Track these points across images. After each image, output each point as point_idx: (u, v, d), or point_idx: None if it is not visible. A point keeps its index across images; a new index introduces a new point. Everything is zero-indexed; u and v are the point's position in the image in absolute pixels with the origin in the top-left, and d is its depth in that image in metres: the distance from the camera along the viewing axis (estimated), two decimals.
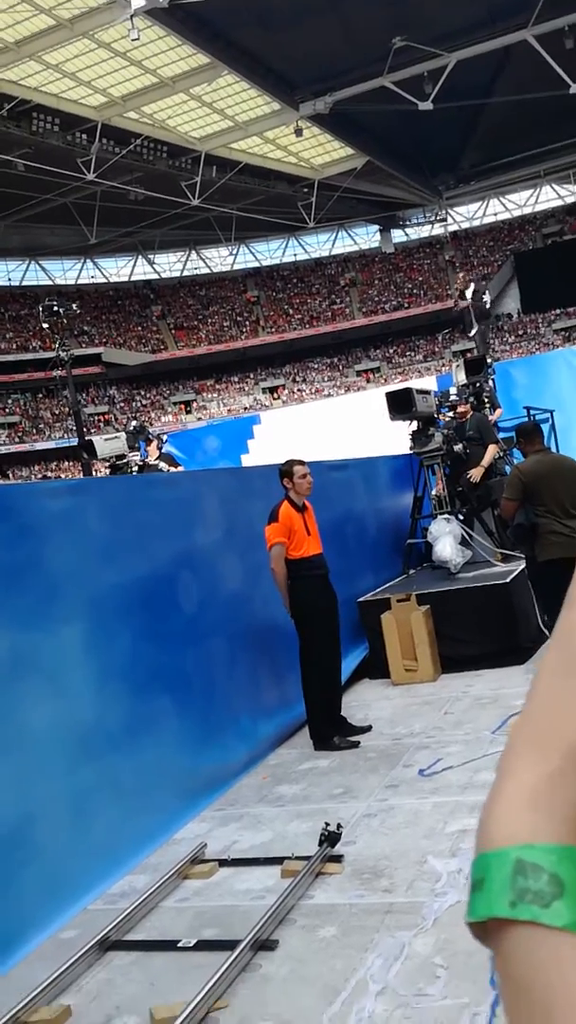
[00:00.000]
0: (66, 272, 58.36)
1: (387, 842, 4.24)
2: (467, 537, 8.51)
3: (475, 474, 9.20)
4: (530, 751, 0.51)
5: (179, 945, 3.53)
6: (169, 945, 3.56)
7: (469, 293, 12.93)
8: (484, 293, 13.05)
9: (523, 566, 7.72)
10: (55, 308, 10.85)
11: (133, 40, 29.89)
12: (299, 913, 3.69)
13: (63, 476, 42.87)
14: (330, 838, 4.18)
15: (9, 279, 56.18)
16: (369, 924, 3.48)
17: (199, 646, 5.51)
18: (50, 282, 57.48)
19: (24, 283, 56.74)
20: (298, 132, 39.54)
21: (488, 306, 12.93)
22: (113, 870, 4.27)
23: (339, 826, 4.24)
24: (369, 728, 6.14)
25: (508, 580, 7.51)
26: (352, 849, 4.20)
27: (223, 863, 4.30)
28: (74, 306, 11.68)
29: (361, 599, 7.94)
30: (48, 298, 11.37)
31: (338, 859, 4.11)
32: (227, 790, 5.39)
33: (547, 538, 6.08)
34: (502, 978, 0.47)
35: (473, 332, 13.35)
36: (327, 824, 4.23)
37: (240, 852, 4.43)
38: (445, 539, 8.27)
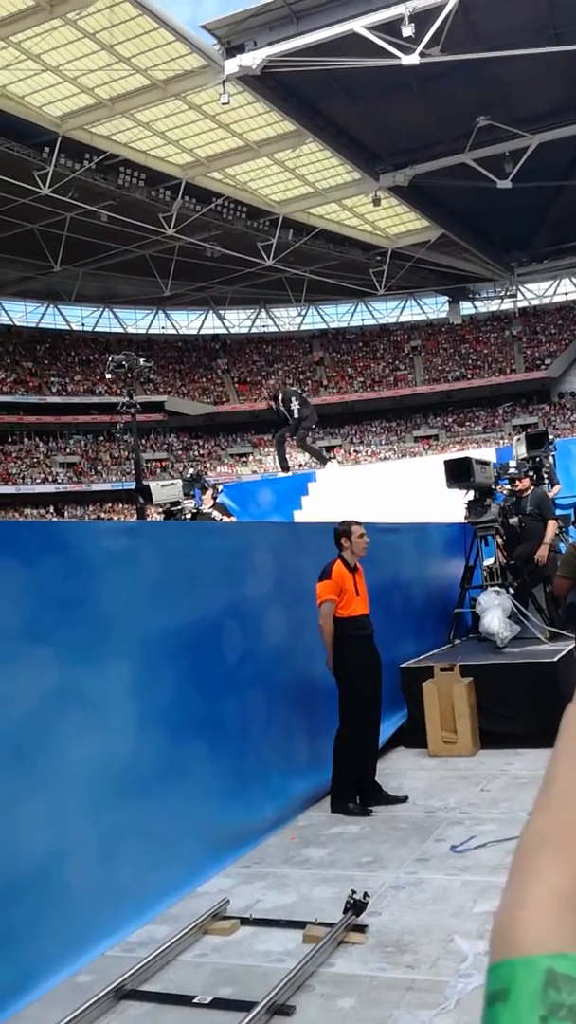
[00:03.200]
0: (138, 321, 59.81)
1: (413, 916, 4.13)
2: (517, 611, 8.40)
3: (542, 554, 9.10)
4: (553, 853, 0.47)
5: (194, 1001, 3.47)
6: (184, 1000, 3.49)
7: (280, 398, 13.54)
8: (291, 400, 13.49)
9: (572, 646, 7.59)
10: (123, 363, 11.07)
11: (223, 104, 30.91)
12: (318, 980, 3.60)
13: (116, 518, 43.38)
14: (355, 907, 4.09)
15: (83, 324, 57.74)
16: (389, 999, 3.38)
17: (238, 696, 5.49)
18: (122, 330, 58.91)
19: (97, 329, 58.24)
20: (376, 201, 40.30)
21: (297, 414, 13.30)
22: (135, 918, 4.22)
23: (365, 895, 4.15)
24: (405, 799, 6.03)
25: (555, 659, 7.38)
26: (377, 920, 4.10)
27: (245, 921, 4.23)
28: (142, 361, 11.90)
29: (404, 664, 7.85)
30: (117, 355, 11.57)
31: (362, 929, 4.01)
32: (254, 847, 5.31)
33: None
34: None
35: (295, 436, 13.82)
36: (353, 892, 4.14)
37: (263, 912, 4.35)
38: (494, 611, 8.17)
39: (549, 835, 0.49)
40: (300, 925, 4.07)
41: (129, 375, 11.60)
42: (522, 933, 0.45)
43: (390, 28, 26.82)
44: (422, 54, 27.26)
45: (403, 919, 4.11)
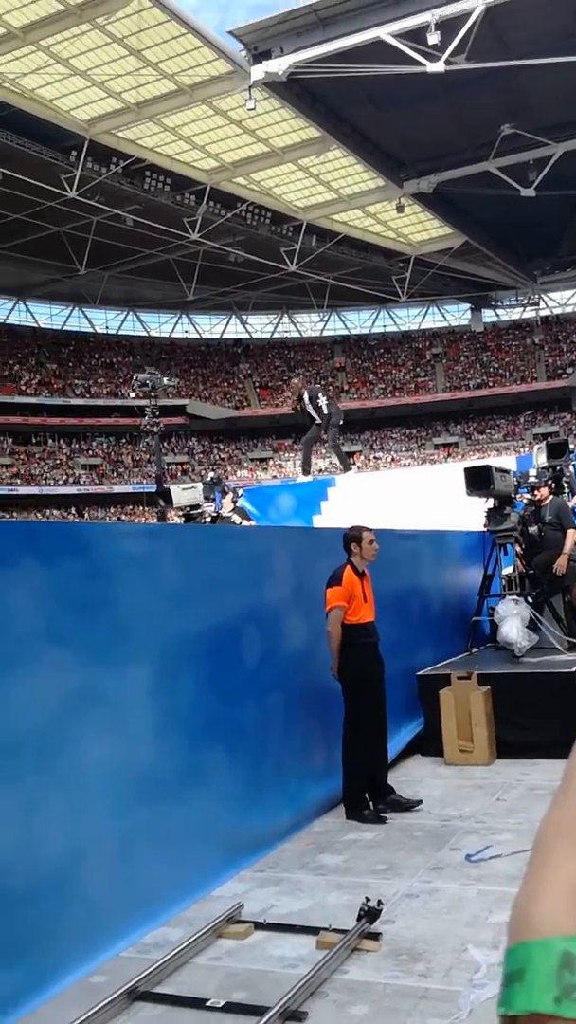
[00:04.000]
0: (161, 325, 60.11)
1: (427, 925, 4.12)
2: (535, 621, 8.37)
3: (561, 563, 9.05)
4: (573, 842, 0.49)
5: (207, 1004, 3.48)
6: (197, 1003, 3.50)
7: (306, 396, 13.04)
8: (318, 397, 13.04)
9: None
10: (147, 382, 11.07)
11: (249, 110, 31.04)
12: (331, 987, 3.60)
13: (137, 520, 43.53)
14: (369, 914, 4.08)
15: (107, 327, 58.10)
16: (402, 1007, 3.38)
17: (257, 701, 5.50)
18: (145, 333, 59.20)
19: (121, 332, 58.56)
20: (399, 208, 40.30)
21: (326, 411, 12.82)
22: (149, 919, 4.24)
23: (379, 903, 4.15)
24: (419, 803, 6.02)
25: (574, 669, 7.34)
26: (391, 928, 4.10)
27: (259, 926, 4.23)
28: (165, 380, 11.87)
29: (421, 672, 7.83)
30: (141, 374, 11.54)
31: (376, 936, 4.01)
32: (269, 852, 5.31)
33: None
34: None
35: (326, 438, 13.41)
36: (367, 899, 4.14)
37: (277, 917, 4.35)
38: (512, 620, 8.14)
39: (566, 827, 0.50)
40: (314, 931, 4.08)
41: (153, 393, 11.65)
42: (539, 917, 0.47)
43: (416, 36, 26.82)
44: (448, 62, 27.24)
45: (417, 927, 4.10)
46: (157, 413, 14.53)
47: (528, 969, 0.44)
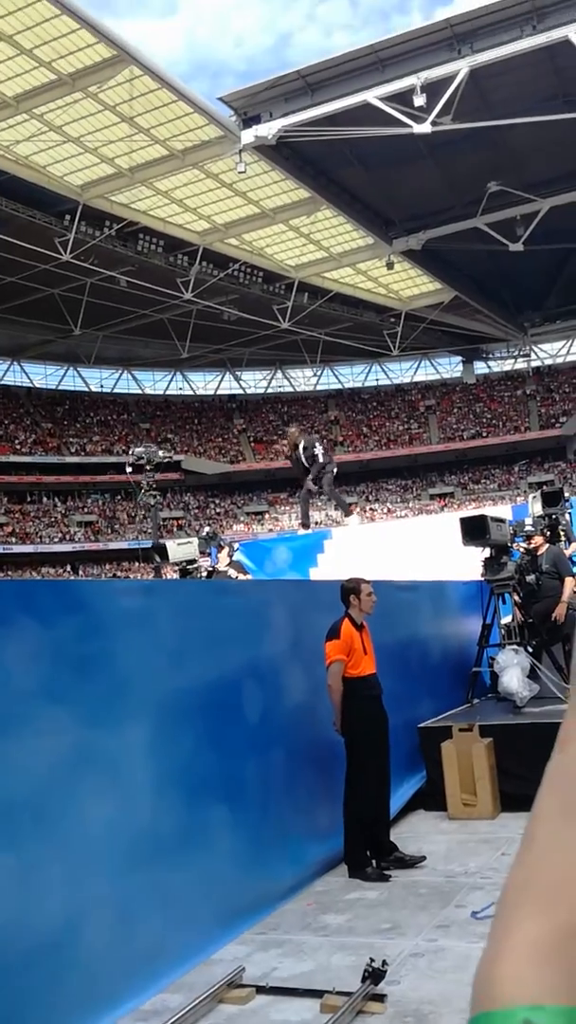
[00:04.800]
0: (156, 383, 60.66)
1: (434, 986, 4.02)
2: (535, 670, 8.31)
3: (559, 612, 9.04)
4: (534, 905, 0.47)
5: None
6: None
7: (302, 444, 13.04)
8: (314, 446, 13.04)
9: None
10: (143, 456, 11.14)
11: (240, 173, 31.70)
12: None
13: (133, 576, 43.41)
14: (374, 975, 3.99)
15: (102, 386, 58.60)
16: None
17: (257, 758, 5.43)
18: (140, 391, 59.71)
19: (116, 390, 59.07)
20: (389, 265, 40.95)
21: (321, 459, 12.80)
22: (148, 985, 4.13)
23: (384, 963, 4.05)
24: (423, 859, 5.91)
25: None
26: (396, 989, 4.00)
27: (261, 990, 4.13)
28: (160, 453, 11.96)
29: (422, 725, 7.75)
30: (138, 448, 11.61)
31: (381, 998, 3.91)
32: (270, 913, 5.20)
33: None
34: None
35: (320, 488, 13.30)
36: (372, 960, 4.05)
37: (279, 980, 4.25)
38: (512, 671, 8.09)
39: (529, 888, 0.48)
40: (318, 994, 3.97)
41: (148, 466, 11.77)
42: (500, 985, 0.45)
43: (402, 98, 27.55)
44: (434, 123, 27.92)
45: (423, 988, 4.00)
46: (154, 485, 14.59)
47: None
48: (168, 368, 59.13)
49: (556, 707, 7.98)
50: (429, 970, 4.21)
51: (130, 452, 14.17)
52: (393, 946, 4.52)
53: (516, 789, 7.07)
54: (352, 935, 4.80)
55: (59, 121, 31.09)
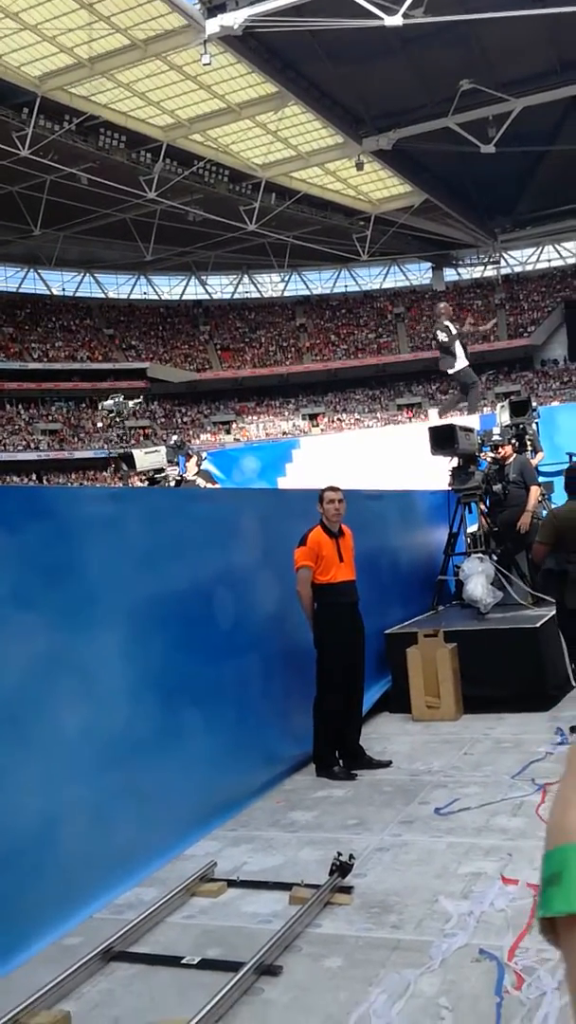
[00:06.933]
0: (119, 287, 59.25)
1: (398, 878, 4.19)
2: (500, 578, 8.45)
3: (524, 521, 9.14)
4: None
5: (183, 962, 3.51)
6: (172, 961, 3.53)
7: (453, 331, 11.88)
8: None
9: (553, 612, 7.65)
10: (113, 409, 10.84)
11: (204, 65, 30.43)
12: (305, 941, 3.65)
13: (100, 485, 43.19)
14: (341, 868, 4.14)
15: (64, 289, 57.14)
16: (375, 958, 3.43)
17: (229, 662, 5.50)
18: (103, 295, 58.33)
19: (78, 294, 57.63)
20: (359, 166, 39.93)
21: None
22: (123, 880, 4.26)
23: (351, 857, 4.20)
24: (389, 763, 6.09)
25: (538, 625, 7.44)
26: (362, 882, 4.16)
27: (232, 883, 4.27)
28: (131, 403, 11.60)
29: (388, 631, 7.90)
30: (107, 402, 11.23)
31: (348, 890, 4.06)
32: (241, 811, 5.36)
33: None
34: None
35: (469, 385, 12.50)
36: (339, 854, 4.19)
37: (250, 874, 4.39)
38: (477, 578, 8.22)
39: None
40: (286, 887, 4.12)
41: (119, 419, 11.50)
42: (574, 823, 0.49)
43: None
44: (405, 15, 26.88)
45: (388, 881, 4.16)
46: (126, 437, 14.24)
47: (565, 872, 0.45)
48: (132, 271, 57.72)
49: (519, 613, 8.16)
50: (394, 863, 4.37)
51: (99, 406, 13.52)
52: (359, 841, 4.68)
53: (478, 692, 7.29)
54: (319, 831, 4.97)
55: (15, 8, 29.47)
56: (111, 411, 11.28)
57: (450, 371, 12.06)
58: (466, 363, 12.10)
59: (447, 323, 12.07)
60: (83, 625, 4.24)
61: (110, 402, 11.38)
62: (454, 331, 11.94)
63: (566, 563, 6.11)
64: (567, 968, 0.47)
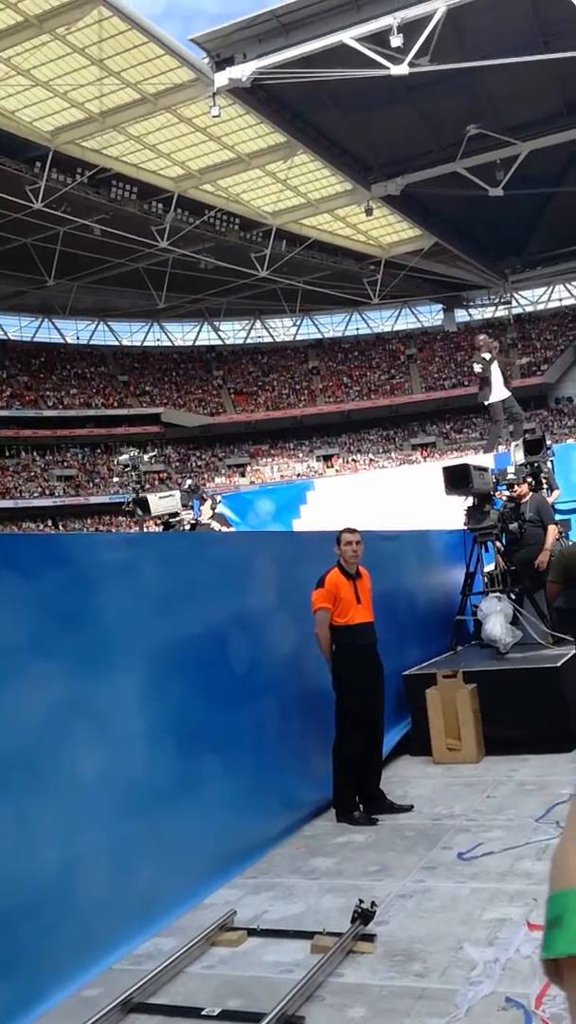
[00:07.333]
0: (133, 334, 59.95)
1: (422, 925, 4.11)
2: (518, 617, 8.39)
3: (542, 559, 9.09)
4: None
5: (203, 1013, 3.44)
6: (193, 1012, 3.47)
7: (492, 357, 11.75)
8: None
9: (574, 651, 7.58)
10: (128, 464, 10.97)
11: (214, 117, 31.05)
12: (327, 991, 3.58)
13: (115, 530, 43.32)
14: (363, 916, 4.06)
15: (78, 337, 57.87)
16: (399, 1008, 3.36)
17: (247, 706, 5.46)
18: (117, 343, 59.02)
19: (92, 342, 58.34)
20: (368, 211, 40.46)
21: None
22: (143, 930, 4.19)
23: (373, 904, 4.13)
24: (410, 808, 6.01)
25: (559, 664, 7.36)
26: (385, 929, 4.08)
27: (252, 932, 4.20)
28: (146, 457, 11.69)
29: (406, 672, 7.83)
30: (122, 456, 11.40)
31: (370, 938, 3.99)
32: (261, 858, 5.28)
33: None
34: None
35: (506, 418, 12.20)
36: (361, 901, 4.12)
37: (270, 923, 4.32)
38: (495, 618, 8.16)
39: None
40: (308, 935, 4.05)
41: (135, 473, 11.65)
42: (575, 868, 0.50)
43: (379, 39, 26.97)
44: (411, 64, 27.39)
45: (411, 928, 4.09)
46: (141, 491, 14.40)
47: (566, 915, 0.46)
48: (145, 319, 58.43)
49: (538, 652, 8.09)
50: (417, 910, 4.30)
51: (115, 462, 13.73)
52: (381, 887, 4.60)
53: (500, 733, 7.19)
54: (341, 878, 4.89)
55: (27, 64, 30.25)
56: (127, 466, 11.39)
57: (486, 403, 12.10)
58: (502, 396, 12.02)
59: (484, 355, 12.08)
60: (100, 671, 4.23)
61: (125, 456, 11.49)
62: (487, 359, 11.93)
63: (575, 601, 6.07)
64: (569, 1006, 0.49)
